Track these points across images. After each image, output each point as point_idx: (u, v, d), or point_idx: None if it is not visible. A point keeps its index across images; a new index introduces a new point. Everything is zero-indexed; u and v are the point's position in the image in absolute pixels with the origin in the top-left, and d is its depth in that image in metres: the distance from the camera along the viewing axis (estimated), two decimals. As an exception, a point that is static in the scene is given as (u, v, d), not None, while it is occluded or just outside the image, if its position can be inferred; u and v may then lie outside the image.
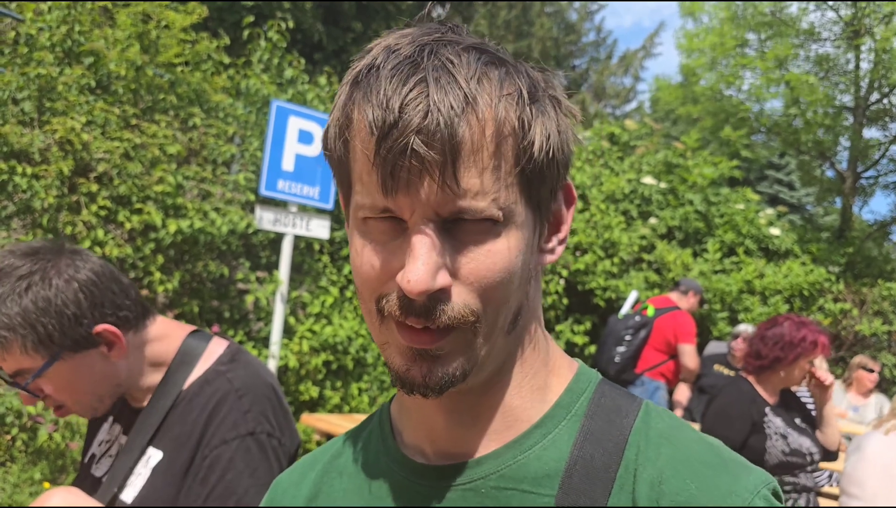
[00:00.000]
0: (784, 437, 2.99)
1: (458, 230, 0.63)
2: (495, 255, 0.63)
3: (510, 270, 0.64)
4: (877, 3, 11.68)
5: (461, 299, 0.63)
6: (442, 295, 0.62)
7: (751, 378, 3.15)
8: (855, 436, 3.02)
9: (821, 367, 4.53)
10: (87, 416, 1.38)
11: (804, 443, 3.02)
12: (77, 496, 1.25)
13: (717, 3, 13.84)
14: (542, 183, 0.66)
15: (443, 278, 0.62)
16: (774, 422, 3.03)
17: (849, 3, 12.41)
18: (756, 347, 3.12)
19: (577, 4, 24.63)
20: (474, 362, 0.66)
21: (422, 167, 0.59)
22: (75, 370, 1.29)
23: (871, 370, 6.05)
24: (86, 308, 1.27)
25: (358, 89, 0.63)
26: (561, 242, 0.74)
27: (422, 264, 0.60)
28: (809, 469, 3.05)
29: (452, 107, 0.59)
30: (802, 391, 4.65)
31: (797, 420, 3.12)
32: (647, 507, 0.63)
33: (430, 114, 0.59)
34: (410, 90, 0.59)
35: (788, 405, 3.18)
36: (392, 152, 0.59)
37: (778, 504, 0.64)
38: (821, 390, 3.12)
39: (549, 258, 0.73)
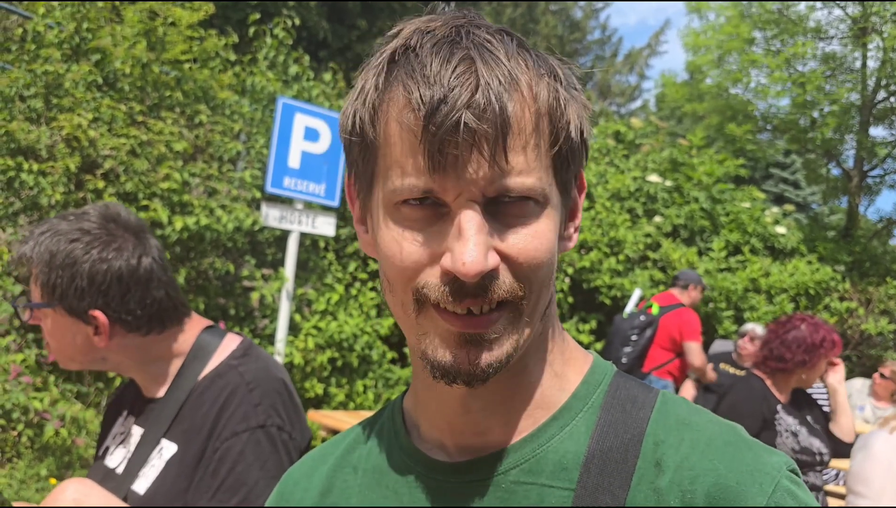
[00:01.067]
0: (794, 435, 3.01)
1: (500, 212, 0.62)
2: (541, 236, 0.63)
3: (552, 251, 0.65)
4: (885, 1, 11.64)
5: (509, 279, 0.62)
6: (494, 274, 0.61)
7: (763, 377, 3.16)
8: (861, 434, 3.01)
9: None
10: (62, 366, 1.45)
11: (814, 443, 3.03)
12: (91, 488, 1.26)
13: (723, 2, 13.81)
14: (570, 166, 0.67)
15: (493, 259, 0.61)
16: (786, 420, 3.04)
17: (856, 1, 12.37)
18: (778, 351, 3.11)
19: (582, 3, 24.60)
20: (519, 344, 0.65)
21: (472, 143, 0.58)
22: (62, 327, 1.37)
23: (884, 376, 5.99)
24: (94, 291, 1.33)
25: (397, 67, 0.62)
26: (576, 229, 0.74)
27: (474, 246, 0.59)
28: (819, 468, 3.06)
29: (501, 82, 0.59)
30: (815, 390, 4.64)
31: (809, 419, 3.12)
32: (674, 494, 0.63)
33: (480, 89, 0.58)
34: (457, 66, 0.59)
35: (800, 404, 3.18)
36: (442, 128, 0.58)
37: (801, 482, 0.64)
38: (833, 372, 3.17)
39: (568, 245, 0.73)
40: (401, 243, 0.63)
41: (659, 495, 0.63)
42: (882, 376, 5.96)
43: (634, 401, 0.70)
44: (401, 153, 0.62)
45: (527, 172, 0.61)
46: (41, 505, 1.22)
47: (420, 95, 0.59)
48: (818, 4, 12.94)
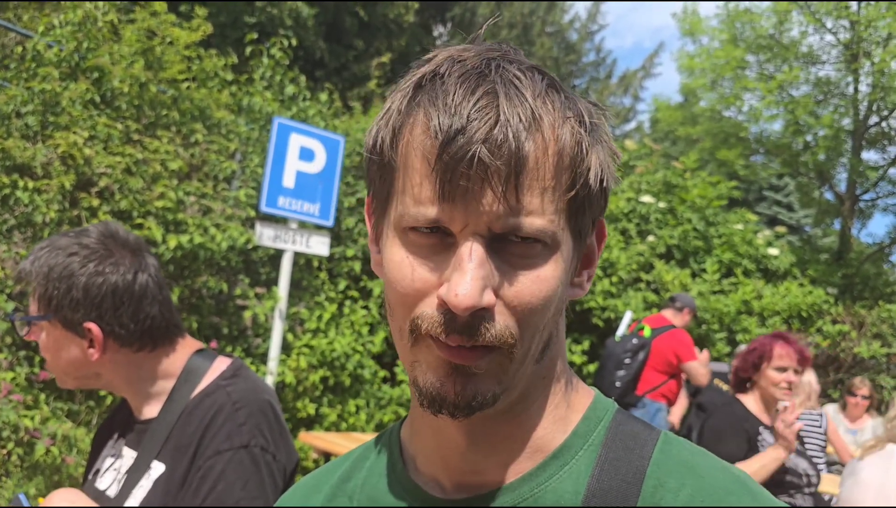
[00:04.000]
0: None
1: (505, 251, 0.61)
2: (542, 281, 0.62)
3: (552, 297, 0.63)
4: (874, 26, 11.78)
5: (503, 321, 0.61)
6: (486, 313, 0.60)
7: (743, 399, 3.19)
8: (850, 461, 3.00)
9: (810, 381, 4.52)
10: (58, 384, 1.47)
11: (800, 463, 3.02)
12: (78, 497, 1.27)
13: (718, 25, 13.96)
14: (587, 212, 0.65)
15: (489, 297, 0.59)
16: (769, 440, 3.04)
17: (847, 26, 12.53)
18: (735, 366, 3.27)
19: (577, 25, 24.82)
20: (505, 386, 0.64)
21: (484, 177, 0.58)
22: (57, 340, 1.39)
23: (854, 395, 6.08)
24: (89, 303, 1.35)
25: (422, 93, 0.62)
26: (590, 278, 0.72)
27: (470, 279, 0.58)
28: (807, 490, 3.04)
29: (521, 120, 0.58)
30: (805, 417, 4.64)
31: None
32: None
33: (499, 125, 0.58)
34: (479, 99, 0.58)
35: None
36: (455, 158, 0.58)
37: None
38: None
39: (579, 293, 0.71)
40: (405, 268, 0.63)
41: None
42: (864, 397, 6.03)
43: (636, 439, 0.69)
44: (414, 178, 0.61)
45: (538, 213, 0.60)
46: None
47: (439, 123, 0.59)
48: (810, 30, 13.10)
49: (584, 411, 0.72)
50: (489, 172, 0.58)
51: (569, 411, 0.72)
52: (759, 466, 2.89)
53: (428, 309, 0.61)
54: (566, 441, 0.70)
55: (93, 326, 1.36)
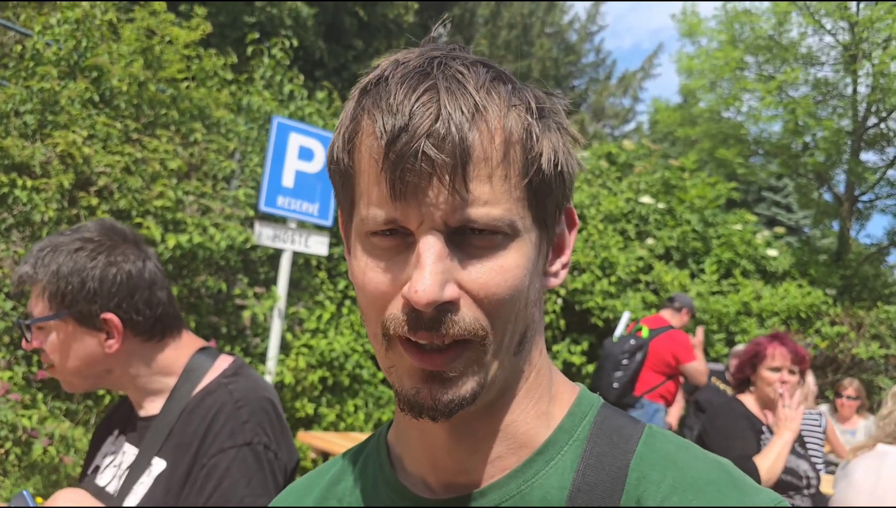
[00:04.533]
0: None
1: (465, 243, 0.61)
2: (506, 271, 0.62)
3: (518, 286, 0.63)
4: (874, 28, 11.79)
5: (471, 313, 0.61)
6: (450, 307, 0.60)
7: (743, 399, 3.21)
8: (841, 462, 3.00)
9: (807, 381, 4.53)
10: (65, 388, 1.45)
11: (801, 465, 3.02)
12: (83, 497, 1.27)
13: (717, 26, 13.96)
14: (548, 198, 0.65)
15: (451, 291, 0.60)
16: (770, 439, 3.04)
17: (846, 28, 12.54)
18: (734, 366, 3.32)
19: (577, 25, 24.83)
20: (484, 382, 0.64)
21: (431, 171, 0.58)
22: (71, 338, 1.39)
23: (841, 395, 6.10)
24: (106, 292, 1.37)
25: (367, 97, 0.63)
26: (564, 266, 0.72)
27: (429, 274, 0.58)
28: (806, 492, 3.04)
29: (463, 112, 0.59)
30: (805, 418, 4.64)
31: (794, 444, 3.12)
32: None
33: (440, 119, 0.58)
34: (420, 96, 0.59)
35: None
36: (401, 156, 0.58)
37: None
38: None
39: (553, 282, 0.71)
40: (369, 272, 0.64)
41: None
42: (849, 398, 6.04)
43: (621, 433, 0.69)
44: (368, 181, 0.62)
45: (493, 202, 0.60)
46: None
47: (383, 124, 0.59)
48: (809, 31, 13.10)
49: (569, 406, 0.72)
50: (436, 166, 0.58)
51: (552, 405, 0.72)
52: (774, 456, 2.88)
53: (395, 311, 0.62)
54: (551, 437, 0.70)
55: (111, 316, 1.37)
